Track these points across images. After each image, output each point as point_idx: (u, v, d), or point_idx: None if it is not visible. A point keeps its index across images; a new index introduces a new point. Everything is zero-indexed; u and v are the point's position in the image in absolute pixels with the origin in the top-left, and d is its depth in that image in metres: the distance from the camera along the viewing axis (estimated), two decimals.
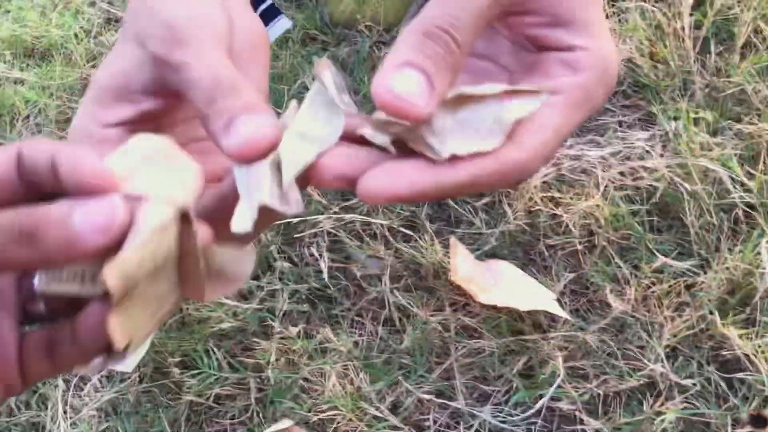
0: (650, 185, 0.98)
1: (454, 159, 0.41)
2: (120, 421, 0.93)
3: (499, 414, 0.86)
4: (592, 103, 0.49)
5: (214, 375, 0.93)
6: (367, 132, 0.43)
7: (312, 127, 0.43)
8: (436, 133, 0.41)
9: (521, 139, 0.45)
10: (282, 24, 0.96)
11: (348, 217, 1.02)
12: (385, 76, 0.38)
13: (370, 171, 0.40)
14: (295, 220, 1.03)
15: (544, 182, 1.04)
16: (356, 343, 0.95)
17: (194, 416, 0.93)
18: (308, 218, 1.04)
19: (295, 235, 1.05)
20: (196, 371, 0.94)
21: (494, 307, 0.93)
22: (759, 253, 0.86)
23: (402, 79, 0.38)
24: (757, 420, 0.73)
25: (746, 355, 0.82)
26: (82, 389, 0.97)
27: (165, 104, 0.44)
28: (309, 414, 0.86)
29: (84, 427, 0.92)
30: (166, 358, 0.95)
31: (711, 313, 0.86)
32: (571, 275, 0.97)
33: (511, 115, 0.43)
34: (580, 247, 0.98)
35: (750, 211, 0.95)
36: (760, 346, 0.81)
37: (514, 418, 0.85)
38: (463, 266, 0.93)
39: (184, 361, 0.96)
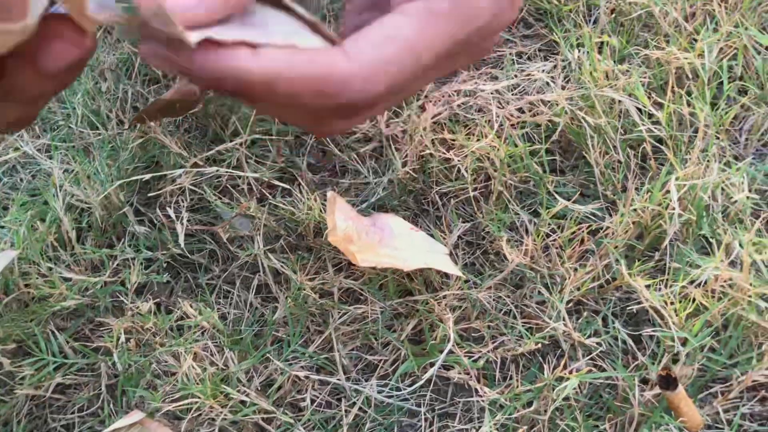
0: (550, 121, 0.87)
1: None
2: None
3: (384, 388, 0.75)
4: (468, 15, 0.37)
5: (56, 362, 0.79)
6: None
7: None
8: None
9: (357, 47, 0.33)
10: None
11: (211, 170, 0.88)
12: None
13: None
14: (147, 175, 0.89)
15: (435, 123, 0.92)
16: (224, 317, 0.82)
17: (36, 410, 0.80)
18: (165, 173, 0.90)
19: (150, 195, 0.90)
20: (34, 358, 0.80)
21: (380, 268, 0.82)
22: (668, 192, 0.76)
23: None
24: (666, 380, 0.65)
25: (654, 309, 0.73)
26: None
27: None
28: (163, 404, 0.74)
29: None
30: None
31: (617, 261, 0.76)
32: (466, 225, 0.86)
33: (305, 42, 0.32)
34: (474, 194, 0.87)
35: (659, 146, 0.85)
36: (668, 297, 0.72)
37: (402, 392, 0.75)
38: (343, 223, 0.81)
39: (19, 349, 0.81)
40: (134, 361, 0.78)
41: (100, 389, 0.79)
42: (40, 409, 0.80)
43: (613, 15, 1.00)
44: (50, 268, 0.85)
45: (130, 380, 0.77)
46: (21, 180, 0.98)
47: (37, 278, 0.84)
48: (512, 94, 0.92)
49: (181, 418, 0.75)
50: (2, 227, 0.90)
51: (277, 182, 0.90)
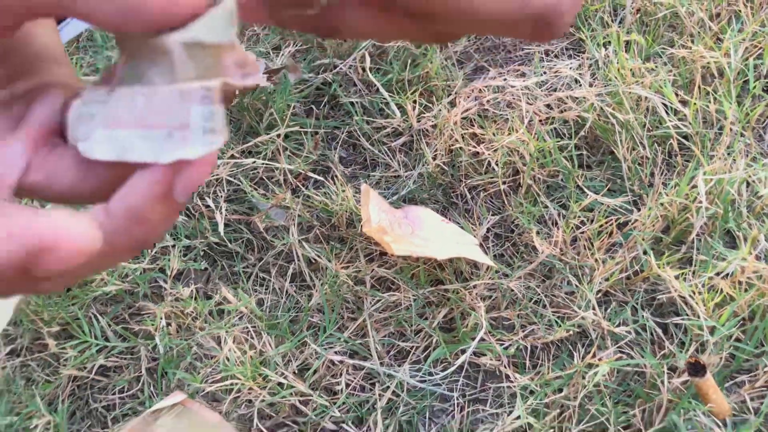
0: (579, 117, 0.89)
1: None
2: None
3: (417, 373, 0.78)
4: None
5: (98, 345, 0.82)
6: None
7: None
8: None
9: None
10: (75, 26, 0.83)
11: (248, 162, 0.91)
12: None
13: None
14: None
15: (464, 118, 0.94)
16: (260, 302, 0.85)
17: (78, 391, 0.82)
18: None
19: None
20: (77, 341, 0.83)
21: (412, 258, 0.84)
22: (695, 187, 0.78)
23: None
24: (695, 367, 0.67)
25: (682, 298, 0.75)
26: None
27: None
28: (204, 385, 0.76)
29: None
30: (41, 328, 0.83)
31: (645, 253, 0.78)
32: (495, 218, 0.88)
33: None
34: (504, 187, 0.89)
35: (685, 141, 0.87)
36: (696, 287, 0.74)
37: (434, 377, 0.77)
38: (376, 215, 0.83)
39: (64, 331, 0.84)
40: (175, 345, 0.80)
41: (141, 372, 0.82)
42: (82, 390, 0.83)
43: (639, 15, 1.02)
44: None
45: (171, 363, 0.80)
46: None
47: None
48: (541, 90, 0.94)
49: (220, 400, 0.77)
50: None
51: (311, 174, 0.93)
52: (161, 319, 0.82)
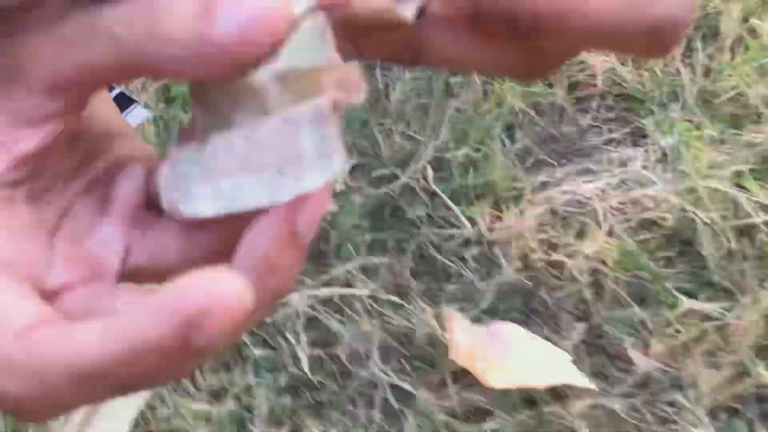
0: (660, 217, 0.87)
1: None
2: None
3: None
4: None
5: None
6: None
7: None
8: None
9: None
10: (138, 113, 0.84)
11: (325, 292, 0.90)
12: None
13: None
14: None
15: (538, 224, 0.92)
16: None
17: None
18: None
19: (266, 319, 0.92)
20: None
21: None
22: None
23: None
24: None
25: None
26: None
27: None
28: None
29: None
30: None
31: (752, 362, 0.75)
32: (582, 325, 0.85)
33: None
34: (588, 295, 0.87)
35: None
36: None
37: None
38: (464, 339, 0.81)
39: None
40: None
41: None
42: None
43: (700, 94, 1.00)
44: (176, 401, 0.87)
45: None
46: None
47: (163, 412, 0.86)
48: (613, 191, 0.92)
49: None
50: None
51: (391, 297, 0.91)
52: None
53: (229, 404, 0.87)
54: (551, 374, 0.76)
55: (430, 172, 1.00)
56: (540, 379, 0.75)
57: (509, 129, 1.08)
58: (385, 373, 0.85)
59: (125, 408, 0.85)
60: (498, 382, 0.73)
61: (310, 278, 0.92)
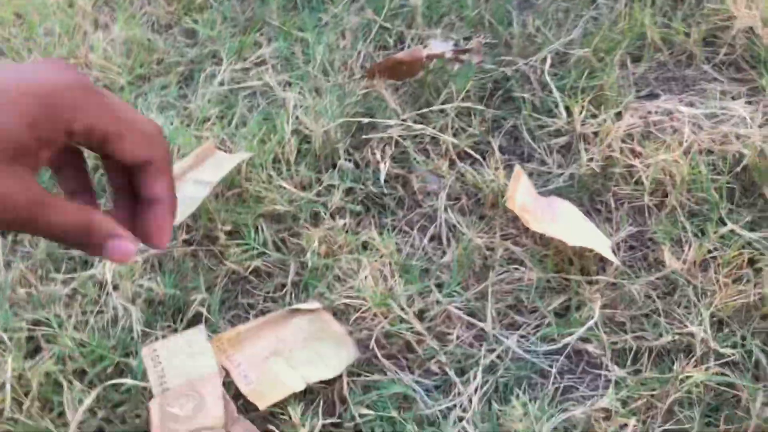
0: (738, 152, 0.92)
1: None
2: (162, 274, 0.96)
3: (524, 343, 0.84)
4: None
5: (258, 250, 0.95)
6: None
7: None
8: None
9: None
10: None
11: (418, 128, 1.01)
12: None
13: None
14: (365, 120, 1.03)
15: (627, 133, 0.99)
16: (399, 249, 0.95)
17: (231, 285, 0.96)
18: (378, 120, 1.04)
19: (363, 137, 1.05)
20: (242, 242, 0.96)
21: (543, 243, 0.91)
22: None
23: None
24: None
25: None
26: None
27: None
28: (337, 300, 0.87)
29: (126, 273, 0.96)
30: (216, 225, 0.98)
31: None
32: (634, 229, 0.93)
33: None
34: (649, 203, 0.93)
35: None
36: None
37: (539, 350, 0.83)
38: (522, 195, 0.91)
39: (232, 232, 0.98)
40: (321, 264, 0.92)
41: (287, 281, 0.94)
42: (235, 285, 0.96)
43: None
44: (270, 176, 1.02)
45: (315, 278, 0.91)
46: (258, 104, 1.16)
47: (258, 182, 1.01)
48: (708, 121, 0.97)
49: (347, 319, 0.88)
50: (241, 137, 1.08)
51: (471, 151, 1.02)
52: (314, 241, 0.93)
53: (312, 195, 1.00)
54: (586, 241, 0.84)
55: (548, 63, 1.08)
56: (573, 239, 0.83)
57: (637, 51, 1.14)
58: (447, 211, 0.96)
59: (230, 160, 1.01)
60: (537, 228, 0.82)
61: (410, 112, 1.04)
